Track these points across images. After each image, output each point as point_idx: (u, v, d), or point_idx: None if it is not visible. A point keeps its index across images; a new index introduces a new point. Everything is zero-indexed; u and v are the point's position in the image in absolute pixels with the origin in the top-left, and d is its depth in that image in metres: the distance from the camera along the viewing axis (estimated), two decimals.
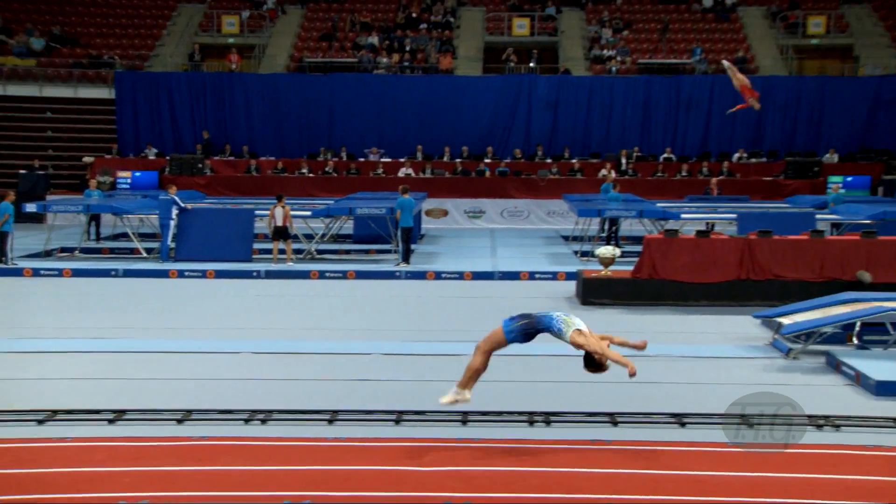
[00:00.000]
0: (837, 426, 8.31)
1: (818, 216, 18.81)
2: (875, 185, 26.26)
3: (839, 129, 28.84)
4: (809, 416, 8.50)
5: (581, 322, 7.49)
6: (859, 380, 9.73)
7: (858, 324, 11.32)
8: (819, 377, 10.20)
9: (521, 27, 32.14)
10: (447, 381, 9.82)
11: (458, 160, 27.52)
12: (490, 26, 32.58)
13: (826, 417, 8.48)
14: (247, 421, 8.32)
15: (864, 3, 33.04)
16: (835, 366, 10.42)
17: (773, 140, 28.84)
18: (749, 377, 10.22)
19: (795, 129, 29.00)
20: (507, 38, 31.95)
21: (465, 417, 8.46)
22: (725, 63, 21.94)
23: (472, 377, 7.52)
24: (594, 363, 7.41)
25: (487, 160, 27.52)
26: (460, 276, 17.18)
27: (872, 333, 11.47)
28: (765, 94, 28.71)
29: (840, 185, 24.38)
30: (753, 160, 28.01)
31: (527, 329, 7.51)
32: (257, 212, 19.61)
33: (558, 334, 7.44)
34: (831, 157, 27.95)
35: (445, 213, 25.48)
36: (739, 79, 20.72)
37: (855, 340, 11.36)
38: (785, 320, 11.76)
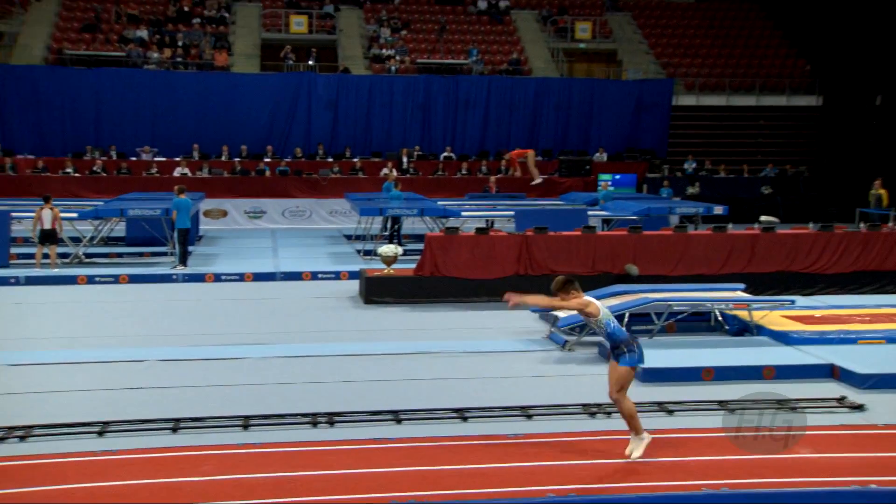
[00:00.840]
0: (609, 413, 8.77)
1: (590, 213, 19.81)
2: (640, 183, 28.04)
3: (607, 129, 30.58)
4: (583, 405, 8.94)
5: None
6: None
7: (627, 314, 12.01)
8: (592, 367, 10.73)
9: (298, 24, 31.79)
10: (230, 385, 9.62)
11: (236, 159, 26.86)
12: (267, 23, 32.02)
13: (598, 405, 8.93)
14: (2, 439, 7.73)
15: (625, 11, 35.20)
16: (606, 355, 10.96)
17: (547, 139, 30.14)
18: (528, 369, 10.61)
19: (568, 130, 30.46)
20: (284, 36, 31.51)
21: (246, 422, 8.26)
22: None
23: (635, 419, 7.30)
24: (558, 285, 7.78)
25: (267, 159, 27.04)
26: (241, 277, 16.79)
27: (640, 323, 12.23)
28: (539, 95, 30.07)
29: (609, 182, 25.82)
30: None
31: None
32: (14, 213, 18.28)
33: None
34: (601, 156, 29.58)
35: (224, 213, 24.81)
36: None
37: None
38: (560, 314, 12.29)
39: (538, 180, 23.51)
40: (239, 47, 30.97)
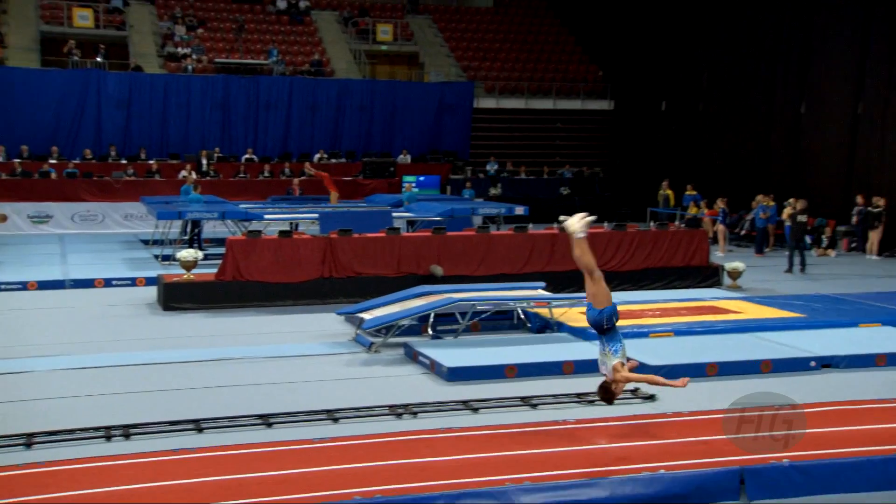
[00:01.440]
0: (415, 413, 8.86)
1: (394, 214, 19.96)
2: (444, 184, 28.56)
3: (411, 131, 30.95)
4: (390, 406, 8.98)
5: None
6: (434, 368, 10.47)
7: (432, 315, 12.18)
8: (398, 368, 10.81)
9: (83, 18, 30.16)
10: (12, 402, 8.99)
11: (16, 160, 25.24)
12: (46, 15, 30.19)
13: (405, 406, 9.00)
14: None
15: (425, 14, 35.75)
16: (412, 356, 11.11)
17: (350, 141, 30.14)
18: (334, 373, 10.55)
19: (371, 131, 30.58)
20: (68, 30, 29.84)
21: (29, 440, 7.76)
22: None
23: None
24: (609, 392, 7.53)
25: (53, 161, 25.57)
26: (23, 286, 15.75)
27: (444, 323, 12.43)
28: (342, 96, 30.03)
29: (413, 184, 26.10)
30: (333, 161, 29.05)
31: (612, 320, 7.56)
32: None
33: (607, 353, 7.49)
34: (405, 158, 29.89)
35: (5, 218, 23.22)
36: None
37: (429, 331, 12.20)
38: (366, 315, 12.32)
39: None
40: (15, 40, 29.08)
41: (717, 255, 20.43)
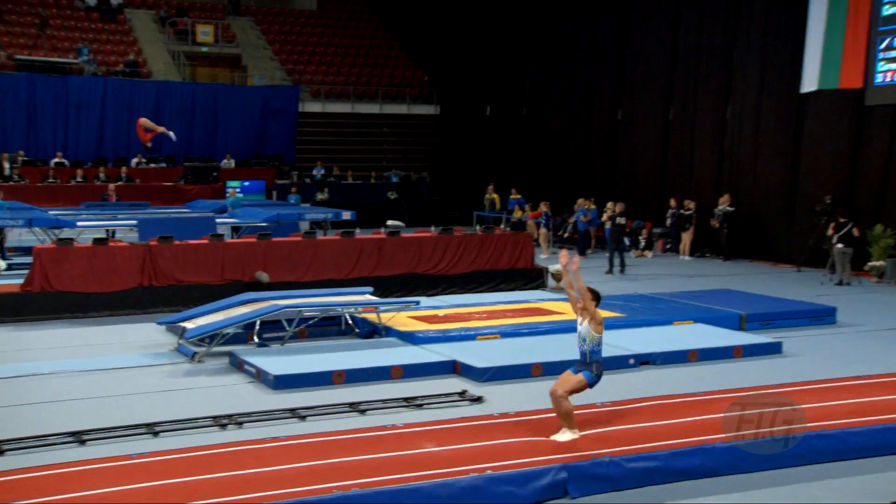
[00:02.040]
0: (240, 423, 8.66)
1: (218, 220, 19.47)
2: (269, 189, 28.11)
3: (234, 135, 30.31)
4: (214, 417, 8.74)
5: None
6: (260, 376, 10.28)
7: (258, 322, 11.95)
8: (223, 377, 10.54)
9: None
10: None
11: None
12: None
13: (230, 416, 8.79)
14: None
15: (247, 15, 35.11)
16: (237, 365, 10.86)
17: (171, 145, 29.23)
18: (155, 385, 10.18)
19: (193, 135, 29.74)
20: None
21: None
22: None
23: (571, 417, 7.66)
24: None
25: None
26: None
27: (271, 331, 12.22)
28: (161, 99, 29.08)
29: (238, 189, 25.60)
30: (153, 165, 28.07)
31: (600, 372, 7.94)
32: None
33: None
34: (228, 163, 29.23)
35: None
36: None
37: (255, 339, 11.96)
38: (188, 324, 11.96)
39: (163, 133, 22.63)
40: None
41: (541, 258, 21.04)
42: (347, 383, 10.17)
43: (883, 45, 20.36)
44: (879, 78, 20.44)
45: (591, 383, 7.89)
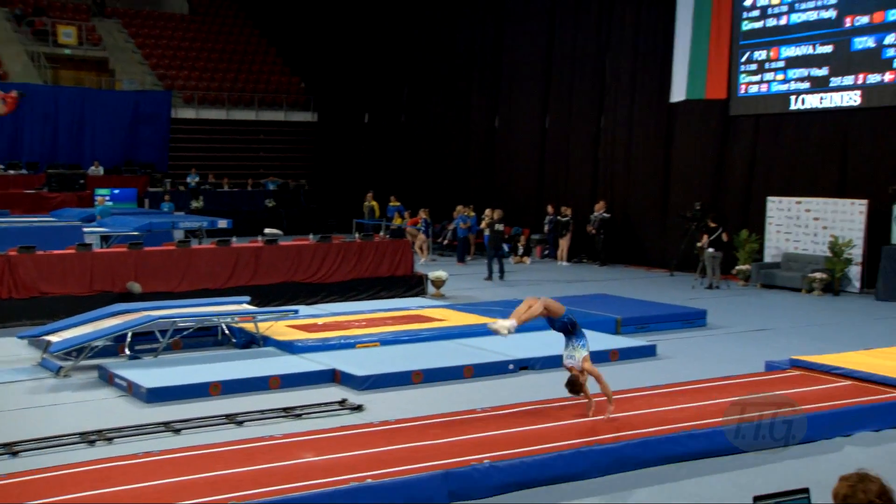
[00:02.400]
0: (110, 439, 8.35)
1: (85, 229, 18.80)
2: (141, 197, 27.31)
3: (103, 142, 29.34)
4: (81, 434, 8.40)
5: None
6: (131, 389, 9.94)
7: (129, 334, 11.57)
8: (92, 392, 10.15)
9: None
10: None
11: None
12: None
13: (99, 432, 8.46)
14: None
15: (114, 18, 34.07)
16: (107, 378, 10.48)
17: (33, 152, 28.07)
18: (15, 402, 9.72)
19: (57, 141, 28.65)
20: None
21: None
22: None
23: (526, 316, 8.36)
24: (577, 384, 8.37)
25: None
26: None
27: (144, 343, 11.84)
28: (20, 102, 27.86)
29: (107, 197, 24.77)
30: (13, 172, 26.90)
31: (571, 323, 8.52)
32: None
33: (575, 348, 8.40)
34: (97, 170, 28.27)
35: None
36: None
37: (127, 351, 11.57)
38: (54, 338, 11.49)
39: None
40: None
41: (421, 264, 21.10)
42: (224, 395, 9.94)
43: (744, 59, 21.30)
44: (742, 89, 21.36)
45: (568, 311, 8.63)
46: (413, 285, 17.54)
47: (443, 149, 29.31)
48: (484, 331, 12.80)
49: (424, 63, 30.02)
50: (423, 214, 23.88)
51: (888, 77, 18.62)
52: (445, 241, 25.56)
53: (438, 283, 17.49)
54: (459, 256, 23.37)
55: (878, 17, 18.84)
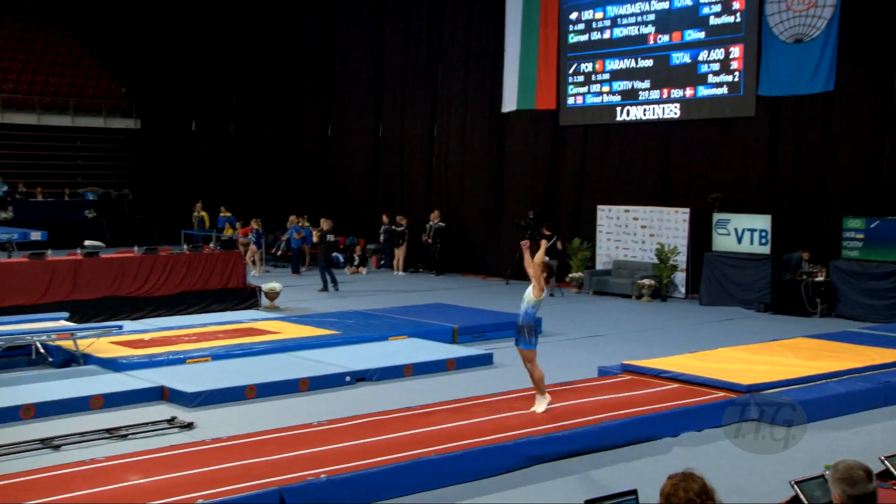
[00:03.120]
0: None
1: None
2: None
3: None
4: None
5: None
6: None
7: None
8: None
9: None
10: None
11: None
12: None
13: None
14: None
15: None
16: None
17: None
18: None
19: None
20: None
21: None
22: None
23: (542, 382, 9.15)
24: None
25: None
26: None
27: None
28: None
29: None
30: None
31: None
32: None
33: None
34: None
35: None
36: None
37: None
38: None
39: None
40: None
41: (253, 276, 20.71)
42: (38, 417, 9.40)
43: (571, 70, 22.05)
44: (570, 100, 22.08)
45: (534, 347, 9.06)
46: (246, 298, 17.18)
47: (275, 157, 28.91)
48: (319, 342, 12.75)
49: (254, 70, 29.55)
50: (254, 225, 23.47)
51: (703, 91, 19.69)
52: (279, 252, 25.20)
53: (272, 295, 17.23)
54: (294, 267, 23.09)
55: (690, 34, 19.87)
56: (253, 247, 23.13)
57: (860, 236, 16.83)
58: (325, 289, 19.92)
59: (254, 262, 22.81)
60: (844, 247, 17.05)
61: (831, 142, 17.87)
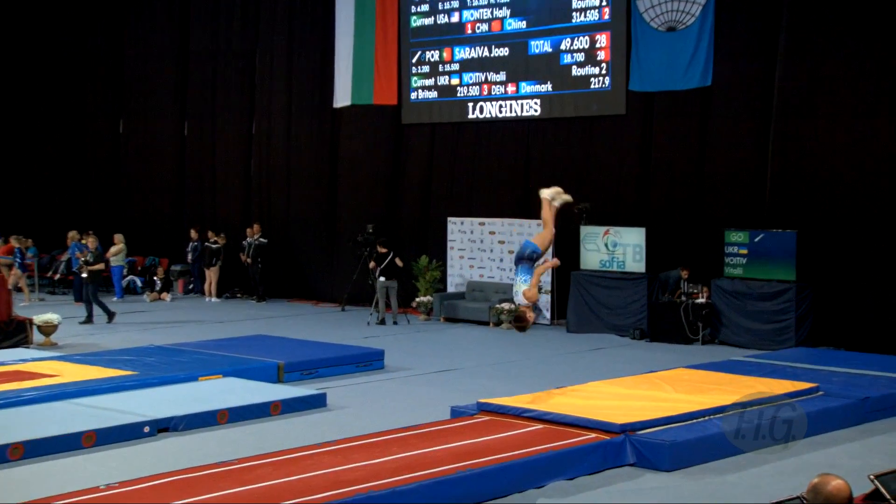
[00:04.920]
0: None
1: None
2: None
3: None
4: None
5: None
6: None
7: None
8: None
9: None
10: None
11: None
12: None
13: None
14: None
15: None
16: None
17: None
18: None
19: None
20: None
21: None
22: None
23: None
24: (523, 320, 11.61)
25: None
26: None
27: None
28: None
29: None
30: None
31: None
32: None
33: (520, 283, 11.14)
34: None
35: None
36: None
37: None
38: None
39: None
40: None
41: (23, 307, 19.88)
42: None
43: (415, 59, 22.13)
44: (414, 95, 22.15)
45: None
46: (12, 333, 16.42)
47: (51, 162, 27.84)
48: (109, 386, 12.28)
49: (24, 63, 28.34)
50: (15, 243, 22.43)
51: (567, 85, 20.05)
52: (58, 276, 24.25)
53: (48, 329, 16.56)
54: (77, 294, 22.19)
55: (551, 19, 20.22)
56: (16, 270, 22.10)
57: (743, 251, 17.50)
58: (110, 318, 19.21)
59: (18, 289, 21.70)
60: (727, 263, 17.69)
61: (710, 144, 18.51)
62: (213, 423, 11.27)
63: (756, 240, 17.36)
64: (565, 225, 19.54)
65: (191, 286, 24.35)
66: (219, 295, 23.32)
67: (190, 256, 23.92)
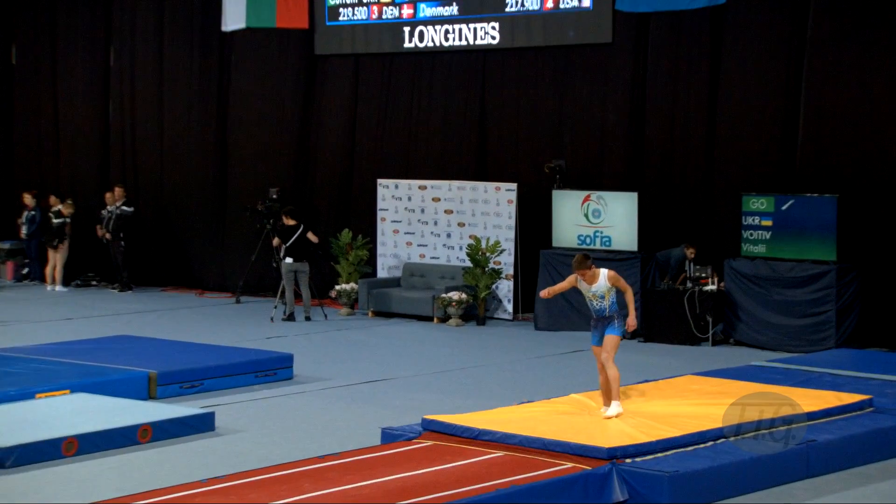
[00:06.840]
0: None
1: None
2: None
3: None
4: None
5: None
6: None
7: None
8: None
9: None
10: None
11: None
12: None
13: None
14: None
15: None
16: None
17: None
18: None
19: None
20: None
21: None
22: None
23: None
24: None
25: None
26: None
27: None
28: None
29: None
30: None
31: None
32: None
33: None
34: None
35: None
36: None
37: None
38: None
39: None
40: None
41: None
42: None
43: None
44: (331, 17, 21.92)
45: (622, 333, 11.75)
46: None
47: None
48: None
49: None
50: None
51: (535, 4, 19.96)
52: None
53: None
54: None
55: None
56: None
57: (767, 223, 17.59)
58: None
59: None
60: (745, 239, 17.80)
61: (723, 82, 18.55)
62: (56, 457, 11.08)
63: (784, 207, 17.44)
64: (532, 188, 19.58)
65: (25, 270, 24.11)
66: (65, 282, 23.10)
67: (24, 230, 23.66)
